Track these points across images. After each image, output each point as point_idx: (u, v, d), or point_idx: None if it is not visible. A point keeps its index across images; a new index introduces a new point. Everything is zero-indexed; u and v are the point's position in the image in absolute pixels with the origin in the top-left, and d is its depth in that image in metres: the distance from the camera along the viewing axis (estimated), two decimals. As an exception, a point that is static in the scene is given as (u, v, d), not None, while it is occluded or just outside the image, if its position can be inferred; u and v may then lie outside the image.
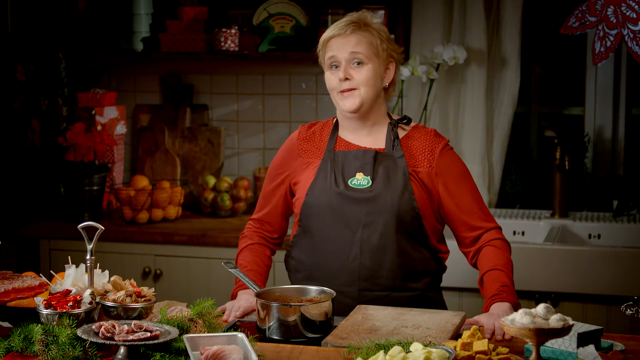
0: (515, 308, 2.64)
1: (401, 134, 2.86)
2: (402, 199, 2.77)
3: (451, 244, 2.93)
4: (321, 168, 2.85)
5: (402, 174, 2.79)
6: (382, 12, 4.27)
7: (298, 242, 2.88)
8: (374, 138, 2.87)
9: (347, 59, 2.79)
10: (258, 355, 2.23)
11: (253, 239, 2.97)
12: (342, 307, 2.67)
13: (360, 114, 2.83)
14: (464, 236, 2.83)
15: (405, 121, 2.88)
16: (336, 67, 2.82)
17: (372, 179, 2.79)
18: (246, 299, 2.74)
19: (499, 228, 2.84)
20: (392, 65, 2.85)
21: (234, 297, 2.83)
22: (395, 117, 2.91)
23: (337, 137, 2.90)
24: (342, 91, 2.80)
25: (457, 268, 3.60)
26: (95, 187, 4.34)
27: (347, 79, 2.79)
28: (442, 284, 2.95)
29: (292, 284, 2.89)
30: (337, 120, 2.93)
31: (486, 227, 2.82)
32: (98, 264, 2.55)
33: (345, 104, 2.81)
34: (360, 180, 2.81)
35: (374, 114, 2.85)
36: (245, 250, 2.95)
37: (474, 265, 2.84)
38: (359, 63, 2.79)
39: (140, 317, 2.42)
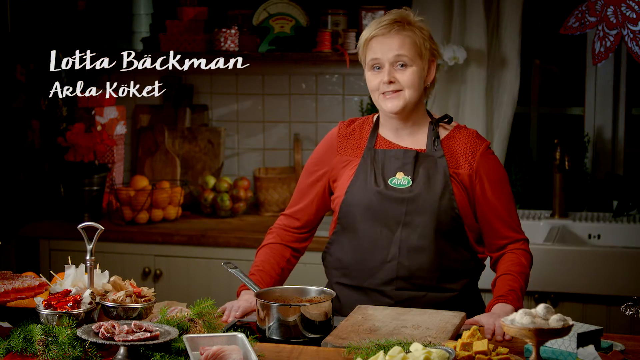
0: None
1: (443, 133, 2.84)
2: (442, 200, 2.75)
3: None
4: (361, 166, 2.83)
5: (442, 175, 2.77)
6: (381, 12, 4.27)
7: (337, 239, 2.87)
8: (414, 137, 2.84)
9: (390, 61, 2.75)
10: (258, 356, 2.23)
11: (277, 238, 2.95)
12: (380, 305, 2.71)
13: (402, 115, 2.81)
14: (492, 242, 2.83)
15: (446, 120, 2.86)
16: (378, 69, 2.78)
17: (413, 179, 2.78)
18: (246, 299, 2.74)
19: (527, 240, 2.84)
20: (434, 64, 2.82)
21: (238, 295, 2.83)
22: (436, 115, 2.88)
23: (377, 135, 2.87)
24: (385, 92, 2.77)
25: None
26: (95, 187, 4.34)
27: (391, 82, 2.75)
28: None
29: (329, 282, 2.91)
30: (377, 118, 2.90)
31: (514, 238, 2.81)
32: (98, 264, 2.55)
33: (388, 105, 2.78)
34: (401, 180, 2.79)
35: (415, 114, 2.82)
36: (265, 248, 2.94)
37: (494, 269, 2.84)
38: (402, 65, 2.75)
39: (140, 317, 2.42)
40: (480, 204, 2.79)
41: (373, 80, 2.79)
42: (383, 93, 2.77)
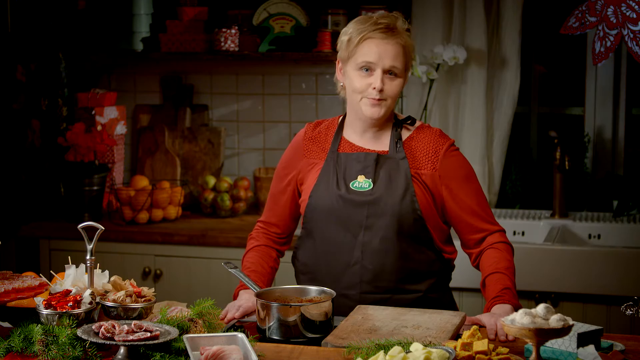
0: (517, 310, 2.63)
1: (406, 134, 2.84)
2: (403, 202, 2.75)
3: (456, 244, 2.92)
4: (324, 170, 2.83)
5: (404, 176, 2.77)
6: (382, 12, 4.27)
7: (302, 244, 2.88)
8: (378, 140, 2.84)
9: (384, 69, 2.74)
10: (258, 355, 2.23)
11: (260, 240, 2.97)
12: (345, 309, 2.67)
13: (381, 119, 2.81)
14: (468, 238, 2.82)
15: (409, 122, 2.85)
16: (367, 71, 2.75)
17: (374, 182, 2.78)
18: (247, 299, 2.74)
19: (503, 231, 2.83)
20: (407, 72, 2.82)
21: (235, 296, 2.83)
22: (401, 116, 2.88)
23: (341, 138, 2.87)
24: (371, 98, 2.76)
25: (457, 268, 3.59)
26: (95, 187, 4.34)
27: (381, 90, 2.74)
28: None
29: (298, 285, 2.90)
30: (341, 120, 2.90)
31: (490, 230, 2.80)
32: (98, 264, 2.55)
33: (370, 111, 2.77)
34: (362, 183, 2.79)
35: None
36: (252, 251, 2.95)
37: (477, 267, 2.83)
38: (394, 75, 2.75)
39: (140, 317, 2.42)
40: (450, 204, 2.79)
41: (360, 81, 2.76)
42: (369, 98, 2.76)
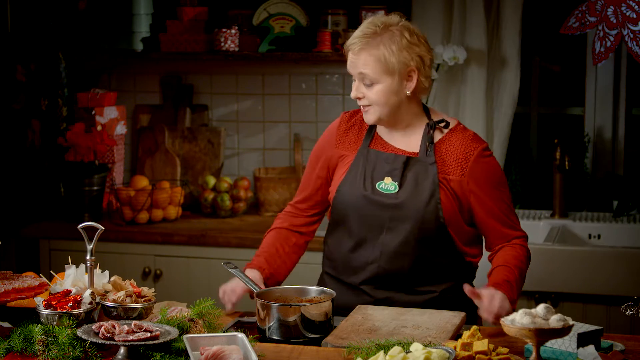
0: (512, 303, 2.64)
1: (438, 136, 2.80)
2: (427, 208, 2.73)
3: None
4: (353, 165, 2.84)
5: (431, 182, 2.74)
6: (382, 12, 4.27)
7: (330, 231, 2.91)
8: (409, 139, 2.82)
9: (358, 78, 2.76)
10: (258, 355, 2.23)
11: (283, 223, 2.98)
12: (359, 303, 2.73)
13: (385, 123, 2.81)
14: (492, 242, 2.83)
15: (443, 124, 2.80)
16: (354, 80, 2.78)
17: (400, 185, 2.77)
18: (237, 283, 2.79)
19: (526, 237, 2.83)
20: (414, 73, 2.75)
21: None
22: (438, 116, 2.84)
23: (374, 133, 2.86)
24: (360, 105, 2.79)
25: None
26: (95, 187, 4.34)
27: (359, 98, 2.76)
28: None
29: (322, 269, 2.94)
30: None
31: (513, 236, 2.81)
32: (98, 264, 2.55)
33: (364, 117, 2.80)
34: (388, 185, 2.78)
35: (402, 118, 2.80)
36: (271, 232, 2.97)
37: (490, 261, 2.84)
38: (369, 83, 2.74)
39: (140, 317, 2.42)
40: (477, 209, 2.77)
41: (352, 89, 2.80)
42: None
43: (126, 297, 2.43)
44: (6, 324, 2.49)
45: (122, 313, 2.41)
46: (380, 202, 2.77)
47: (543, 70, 4.62)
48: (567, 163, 4.23)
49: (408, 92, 2.76)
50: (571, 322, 2.14)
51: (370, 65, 2.71)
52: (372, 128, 2.87)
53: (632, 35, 3.80)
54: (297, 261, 2.97)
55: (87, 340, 2.24)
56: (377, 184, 2.79)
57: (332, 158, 2.90)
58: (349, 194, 2.81)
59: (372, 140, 2.85)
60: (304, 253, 3.00)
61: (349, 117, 2.92)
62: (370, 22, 2.76)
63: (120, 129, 4.58)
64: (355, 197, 2.80)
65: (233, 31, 4.42)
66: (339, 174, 2.87)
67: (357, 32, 2.75)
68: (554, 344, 2.29)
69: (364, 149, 2.84)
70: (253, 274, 2.80)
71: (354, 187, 2.80)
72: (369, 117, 2.78)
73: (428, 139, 2.78)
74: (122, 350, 2.24)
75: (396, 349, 2.16)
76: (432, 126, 2.79)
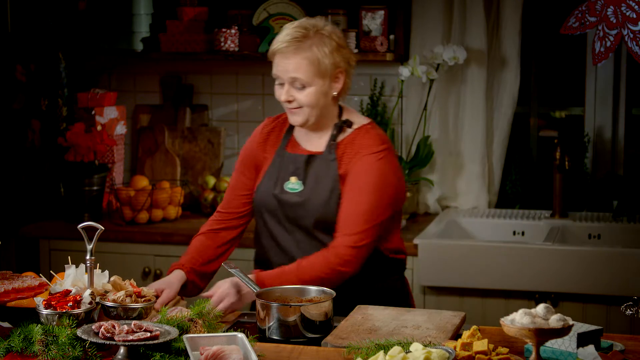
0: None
1: (344, 135, 2.87)
2: (328, 204, 2.80)
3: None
4: (270, 167, 2.92)
5: (331, 178, 2.82)
6: (382, 12, 4.27)
7: (256, 232, 2.98)
8: (321, 140, 2.89)
9: (289, 82, 2.80)
10: (258, 355, 2.23)
11: (208, 226, 3.01)
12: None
13: (310, 125, 2.87)
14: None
15: (346, 124, 2.86)
16: (281, 84, 2.83)
17: (304, 183, 2.84)
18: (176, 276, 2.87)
19: (354, 247, 2.75)
20: (342, 75, 2.83)
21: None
22: (350, 114, 2.90)
23: (291, 136, 2.94)
24: (288, 108, 2.84)
25: (456, 268, 3.60)
26: (95, 187, 4.34)
27: (289, 101, 2.81)
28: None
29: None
30: None
31: (340, 244, 2.76)
32: (98, 264, 2.55)
33: (291, 119, 2.86)
34: (294, 184, 2.86)
35: (322, 120, 2.87)
36: (198, 236, 3.01)
37: None
38: (300, 86, 2.79)
39: (140, 317, 2.42)
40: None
41: (277, 92, 2.85)
42: (286, 107, 2.84)
43: (126, 297, 2.44)
44: (6, 324, 2.49)
45: (122, 313, 2.41)
46: (287, 201, 2.85)
47: (543, 71, 4.62)
48: (567, 163, 4.23)
49: (335, 93, 2.83)
50: (571, 322, 2.14)
51: (303, 68, 2.77)
52: (290, 131, 2.93)
53: (632, 35, 3.80)
54: (221, 260, 2.98)
55: (87, 340, 2.24)
56: (285, 184, 2.87)
57: (257, 158, 2.97)
58: (263, 194, 2.90)
59: (288, 143, 2.92)
60: (229, 254, 3.03)
61: (271, 120, 3.01)
62: (297, 26, 2.81)
63: (120, 129, 4.58)
64: (267, 197, 2.89)
65: (233, 31, 4.42)
66: (260, 176, 2.94)
67: (285, 37, 2.79)
68: (553, 344, 2.29)
69: (280, 150, 2.92)
70: (177, 274, 2.86)
71: (267, 188, 2.89)
72: (297, 119, 2.83)
73: (332, 137, 2.85)
74: (122, 350, 2.24)
75: (396, 349, 2.16)
76: (339, 126, 2.86)
